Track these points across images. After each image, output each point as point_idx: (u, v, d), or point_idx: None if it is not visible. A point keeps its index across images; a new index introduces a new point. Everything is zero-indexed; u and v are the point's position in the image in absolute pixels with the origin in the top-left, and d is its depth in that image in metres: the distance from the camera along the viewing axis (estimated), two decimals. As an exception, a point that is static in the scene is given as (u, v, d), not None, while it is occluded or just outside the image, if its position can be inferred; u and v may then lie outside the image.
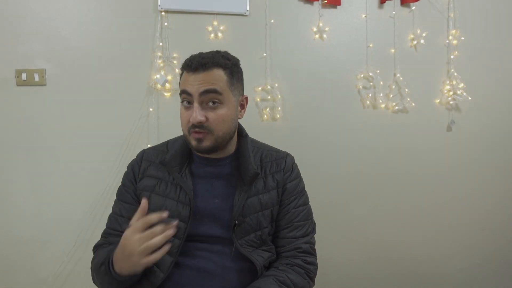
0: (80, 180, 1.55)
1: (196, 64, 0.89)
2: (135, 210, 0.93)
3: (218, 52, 0.95)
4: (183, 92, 0.90)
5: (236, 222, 0.92)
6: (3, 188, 1.51)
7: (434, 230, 1.86)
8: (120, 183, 1.05)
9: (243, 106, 1.00)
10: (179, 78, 0.98)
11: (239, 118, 0.99)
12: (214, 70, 0.89)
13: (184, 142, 0.99)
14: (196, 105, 0.88)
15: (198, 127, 0.88)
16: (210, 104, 0.89)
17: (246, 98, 1.01)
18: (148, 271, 0.90)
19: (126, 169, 1.05)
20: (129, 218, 0.92)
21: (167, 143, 1.06)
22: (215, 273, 0.91)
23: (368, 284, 1.81)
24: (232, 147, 1.00)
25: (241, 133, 1.03)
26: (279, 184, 0.99)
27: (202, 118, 0.87)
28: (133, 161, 1.04)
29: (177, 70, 1.61)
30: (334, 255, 1.76)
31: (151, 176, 0.98)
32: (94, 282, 0.94)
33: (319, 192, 1.72)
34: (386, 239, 1.82)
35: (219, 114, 0.89)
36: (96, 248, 1.00)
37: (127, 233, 0.77)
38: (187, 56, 1.62)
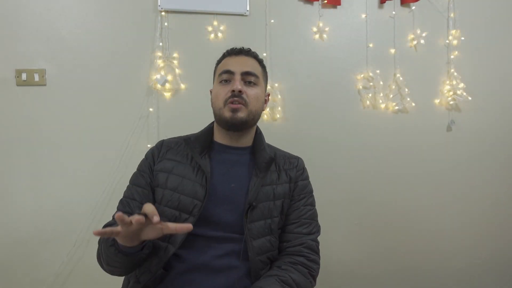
0: (80, 180, 1.55)
1: (240, 49, 1.06)
2: (147, 195, 0.99)
3: None
4: (224, 72, 1.01)
5: (254, 203, 0.95)
6: (3, 188, 1.51)
7: (434, 230, 1.86)
8: (135, 170, 1.07)
9: (265, 101, 1.11)
10: (215, 69, 1.09)
11: (263, 110, 1.08)
12: (253, 59, 1.05)
13: (207, 131, 1.07)
14: (237, 78, 0.99)
15: (237, 96, 0.97)
16: (247, 83, 1.01)
17: (269, 95, 1.14)
18: (158, 248, 0.93)
19: (140, 158, 1.08)
20: (141, 202, 0.97)
21: (186, 135, 1.12)
22: (221, 271, 0.92)
23: (369, 283, 1.81)
24: (250, 139, 1.07)
25: (257, 130, 1.11)
26: (291, 180, 1.05)
27: (243, 88, 0.98)
28: (152, 147, 1.09)
29: (177, 70, 1.61)
30: (334, 254, 1.76)
31: (170, 159, 1.02)
32: (99, 258, 0.92)
33: (319, 191, 1.72)
34: (385, 239, 1.82)
35: (255, 91, 1.01)
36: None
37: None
38: (187, 56, 1.65)
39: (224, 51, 1.09)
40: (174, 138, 1.11)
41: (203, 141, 1.03)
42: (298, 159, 1.12)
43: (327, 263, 1.73)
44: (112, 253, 0.83)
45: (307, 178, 1.11)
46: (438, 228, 1.87)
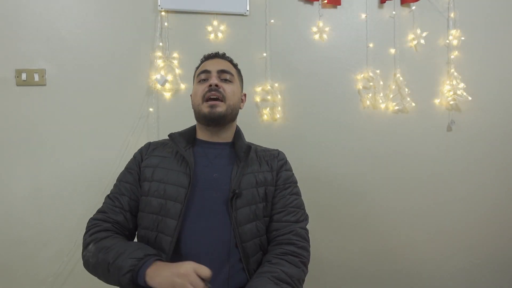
0: (80, 180, 1.55)
1: (215, 53, 1.16)
2: (135, 191, 1.04)
3: None
4: (202, 72, 1.09)
5: (236, 191, 0.98)
6: (3, 187, 1.51)
7: (434, 230, 1.86)
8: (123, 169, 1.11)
9: (242, 100, 1.17)
10: (192, 77, 1.14)
11: (240, 108, 1.15)
12: (227, 62, 1.14)
13: (190, 130, 1.14)
14: (214, 75, 1.08)
15: (214, 90, 1.04)
16: (223, 80, 1.08)
17: (245, 95, 1.20)
18: (155, 239, 0.96)
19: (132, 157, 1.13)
20: (130, 197, 1.03)
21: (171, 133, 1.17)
22: (213, 263, 0.93)
23: (369, 283, 1.81)
24: (230, 135, 1.13)
25: (236, 127, 1.17)
26: (273, 168, 1.10)
27: (219, 83, 1.06)
28: (140, 147, 1.15)
29: (177, 70, 1.61)
30: (333, 255, 1.75)
31: (157, 155, 1.08)
32: (94, 269, 0.93)
33: (319, 191, 1.73)
34: (385, 239, 1.82)
35: (231, 87, 1.09)
36: (97, 223, 0.99)
37: (193, 264, 0.83)
38: (187, 56, 1.65)
39: (223, 51, 1.16)
40: (161, 140, 1.18)
41: (187, 137, 1.10)
42: (278, 151, 1.17)
43: (327, 264, 1.73)
44: (126, 282, 0.85)
45: (290, 169, 1.15)
46: (438, 228, 1.87)
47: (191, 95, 1.15)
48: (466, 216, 1.89)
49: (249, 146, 1.07)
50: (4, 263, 1.50)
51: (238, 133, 1.14)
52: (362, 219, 1.79)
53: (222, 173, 1.03)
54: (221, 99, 1.04)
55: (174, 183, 0.99)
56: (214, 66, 1.10)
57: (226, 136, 1.12)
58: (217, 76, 1.08)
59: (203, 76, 1.09)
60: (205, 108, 1.04)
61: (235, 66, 1.16)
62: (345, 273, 1.78)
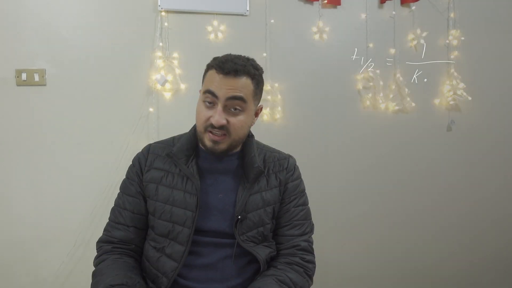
0: (80, 180, 1.55)
1: (229, 68, 0.89)
2: (138, 204, 0.98)
3: (248, 60, 0.95)
4: (208, 92, 0.90)
5: (239, 217, 0.93)
6: (3, 188, 1.51)
7: (433, 230, 1.86)
8: (124, 177, 1.04)
9: (257, 114, 1.02)
10: (202, 77, 0.98)
11: (251, 125, 1.01)
12: (244, 78, 0.91)
13: (191, 136, 1.00)
14: (220, 108, 0.89)
15: (218, 128, 0.90)
16: (232, 109, 0.91)
17: (261, 108, 1.04)
18: (158, 260, 0.94)
19: (131, 163, 1.05)
20: (133, 211, 0.97)
21: (173, 138, 1.07)
22: (216, 266, 0.93)
23: (368, 284, 1.81)
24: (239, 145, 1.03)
25: (248, 133, 1.05)
26: (281, 183, 1.02)
27: (224, 122, 0.90)
28: (139, 154, 1.04)
29: (177, 70, 1.61)
30: (333, 254, 1.76)
31: (158, 169, 0.99)
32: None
33: (319, 192, 1.72)
34: (385, 239, 1.82)
35: (239, 120, 0.92)
36: (101, 246, 0.98)
37: None
38: (187, 56, 1.63)
39: (251, 58, 0.97)
40: (162, 143, 1.05)
41: (186, 150, 0.98)
42: (288, 159, 1.06)
43: (322, 265, 1.73)
44: None
45: (298, 177, 1.06)
46: (438, 228, 1.87)
47: (200, 91, 0.99)
48: (466, 216, 1.90)
49: (261, 171, 0.97)
50: (4, 263, 1.50)
51: (248, 143, 1.01)
52: (361, 219, 1.79)
53: (227, 194, 0.97)
54: (226, 134, 0.91)
55: (180, 206, 0.94)
56: (224, 89, 0.89)
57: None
58: (223, 106, 0.89)
59: (209, 98, 0.90)
60: (206, 140, 0.92)
61: (254, 77, 0.93)
62: (344, 273, 1.78)
